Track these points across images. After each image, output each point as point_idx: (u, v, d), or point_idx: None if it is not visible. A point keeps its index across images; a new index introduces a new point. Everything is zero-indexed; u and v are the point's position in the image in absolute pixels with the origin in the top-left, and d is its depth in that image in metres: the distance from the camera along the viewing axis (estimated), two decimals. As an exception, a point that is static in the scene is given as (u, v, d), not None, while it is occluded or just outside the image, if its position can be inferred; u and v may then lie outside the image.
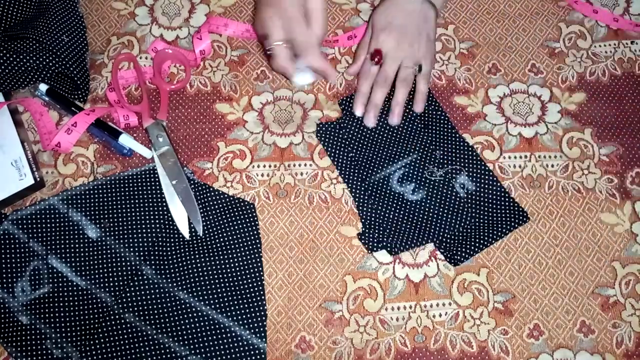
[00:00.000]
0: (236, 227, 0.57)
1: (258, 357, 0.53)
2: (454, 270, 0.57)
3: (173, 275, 0.55)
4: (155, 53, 0.64)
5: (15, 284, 0.53)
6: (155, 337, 0.53)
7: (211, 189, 0.59)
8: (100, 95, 0.63)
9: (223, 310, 0.54)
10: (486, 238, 0.57)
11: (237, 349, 0.53)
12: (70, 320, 0.53)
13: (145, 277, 0.54)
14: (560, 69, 0.66)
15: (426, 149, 0.61)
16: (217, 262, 0.56)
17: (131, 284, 0.54)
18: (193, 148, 0.61)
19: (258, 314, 0.54)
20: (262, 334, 0.54)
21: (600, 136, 0.63)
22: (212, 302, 0.54)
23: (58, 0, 0.63)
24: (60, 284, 0.54)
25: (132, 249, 0.55)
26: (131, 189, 0.58)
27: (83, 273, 0.54)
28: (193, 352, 0.52)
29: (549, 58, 0.67)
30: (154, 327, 0.53)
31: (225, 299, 0.54)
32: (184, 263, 0.55)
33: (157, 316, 0.53)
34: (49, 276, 0.54)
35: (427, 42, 0.62)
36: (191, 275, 0.55)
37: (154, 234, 0.56)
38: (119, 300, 0.53)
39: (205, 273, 0.55)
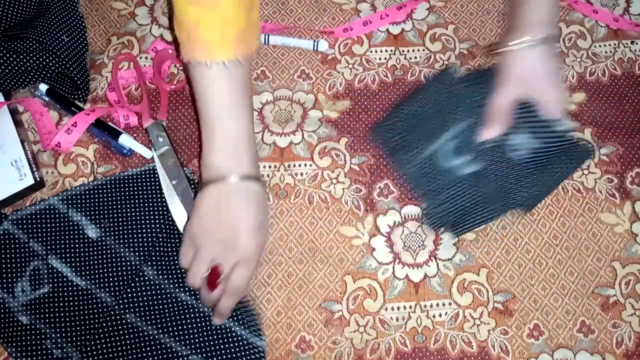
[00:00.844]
0: None
1: (258, 356, 0.53)
2: (454, 270, 0.57)
3: (173, 275, 0.55)
4: (155, 53, 0.64)
5: (15, 284, 0.53)
6: (156, 336, 0.53)
7: None
8: (100, 95, 0.63)
9: None
10: (555, 180, 0.57)
11: (237, 348, 0.53)
12: (71, 321, 0.53)
13: (145, 277, 0.54)
14: (560, 69, 0.66)
15: (477, 115, 0.59)
16: None
17: (132, 284, 0.54)
18: (193, 148, 0.61)
19: (253, 312, 0.54)
20: (260, 333, 0.54)
21: (600, 136, 0.63)
22: None
23: (58, 0, 0.63)
24: (61, 284, 0.54)
25: (132, 249, 0.55)
26: (131, 188, 0.58)
27: (83, 273, 0.54)
28: (194, 351, 0.52)
29: (549, 58, 0.67)
30: (154, 326, 0.53)
31: None
32: None
33: (157, 316, 0.53)
34: (49, 276, 0.54)
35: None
36: None
37: (154, 234, 0.56)
38: (120, 301, 0.53)
39: None
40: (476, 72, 0.63)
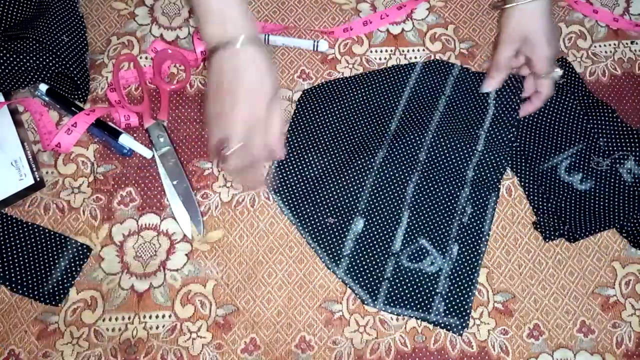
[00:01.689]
0: None
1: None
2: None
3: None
4: (155, 53, 0.64)
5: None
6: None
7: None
8: (100, 95, 0.63)
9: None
10: None
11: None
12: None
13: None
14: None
15: (590, 138, 0.60)
16: None
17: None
18: (193, 148, 0.61)
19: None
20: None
21: (600, 136, 0.63)
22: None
23: (58, 0, 0.63)
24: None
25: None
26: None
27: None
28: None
29: (549, 58, 0.67)
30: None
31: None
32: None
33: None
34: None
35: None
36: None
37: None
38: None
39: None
40: (588, 97, 0.64)
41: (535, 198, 0.59)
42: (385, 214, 0.58)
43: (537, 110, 0.62)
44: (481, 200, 0.59)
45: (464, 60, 0.66)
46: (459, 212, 0.58)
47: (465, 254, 0.57)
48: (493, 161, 0.60)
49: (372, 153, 0.60)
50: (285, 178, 0.59)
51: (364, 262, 0.56)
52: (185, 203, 0.58)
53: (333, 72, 0.65)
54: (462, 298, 0.55)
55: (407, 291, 0.55)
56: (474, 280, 0.56)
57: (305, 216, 0.58)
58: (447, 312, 0.55)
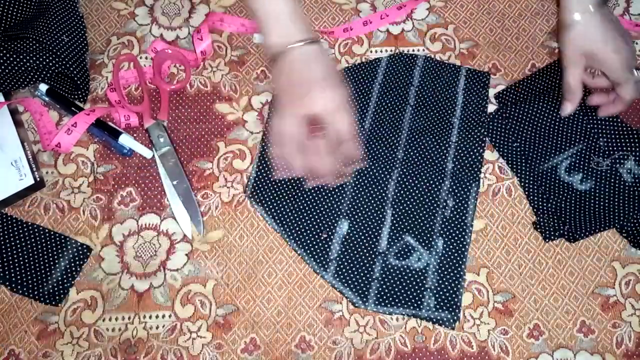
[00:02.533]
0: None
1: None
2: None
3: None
4: (155, 53, 0.64)
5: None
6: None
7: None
8: (100, 95, 0.63)
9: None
10: None
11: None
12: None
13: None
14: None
15: (590, 138, 0.61)
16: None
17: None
18: (193, 148, 0.61)
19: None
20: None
21: (600, 136, 0.63)
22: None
23: (58, 0, 0.63)
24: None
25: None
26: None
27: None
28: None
29: (549, 58, 0.67)
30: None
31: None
32: None
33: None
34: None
35: None
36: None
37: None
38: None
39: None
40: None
41: (535, 198, 0.59)
42: (369, 214, 0.58)
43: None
44: (462, 192, 0.59)
45: (464, 60, 0.66)
46: (441, 206, 0.58)
47: (451, 247, 0.57)
48: (470, 151, 0.61)
49: None
50: (265, 187, 0.59)
51: (351, 264, 0.56)
52: (185, 203, 0.58)
53: (333, 72, 0.65)
54: (451, 292, 0.55)
55: (396, 289, 0.55)
56: (461, 273, 0.56)
57: (289, 223, 0.58)
58: (438, 306, 0.55)
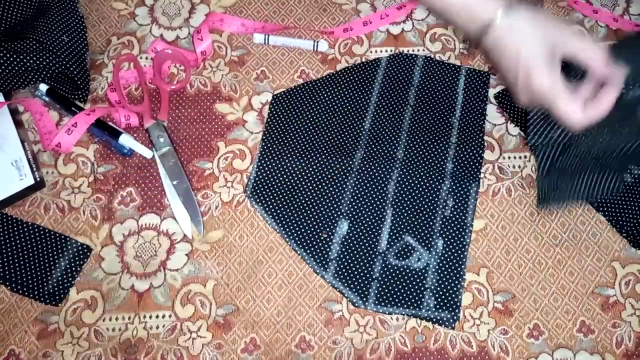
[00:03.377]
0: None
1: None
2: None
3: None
4: (155, 53, 0.64)
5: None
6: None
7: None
8: (100, 96, 0.63)
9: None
10: None
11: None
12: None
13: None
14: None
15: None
16: None
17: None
18: (193, 148, 0.61)
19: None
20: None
21: (600, 136, 0.63)
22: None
23: (58, 0, 0.63)
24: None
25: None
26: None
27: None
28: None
29: (549, 58, 0.67)
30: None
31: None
32: None
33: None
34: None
35: None
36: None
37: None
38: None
39: None
40: None
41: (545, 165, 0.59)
42: (369, 214, 0.58)
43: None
44: (462, 192, 0.59)
45: (464, 61, 0.66)
46: (441, 206, 0.58)
47: (451, 247, 0.57)
48: (470, 151, 0.61)
49: (351, 154, 0.60)
50: (265, 187, 0.59)
51: (351, 264, 0.56)
52: (185, 203, 0.58)
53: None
54: (451, 292, 0.55)
55: (396, 289, 0.55)
56: (461, 273, 0.56)
57: (289, 223, 0.58)
58: (438, 306, 0.55)
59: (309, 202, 0.58)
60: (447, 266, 0.56)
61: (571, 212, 0.60)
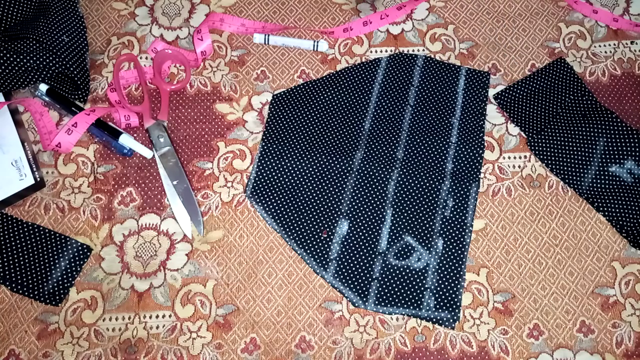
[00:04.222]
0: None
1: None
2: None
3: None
4: (155, 53, 0.64)
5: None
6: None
7: None
8: (100, 96, 0.63)
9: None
10: None
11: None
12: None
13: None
14: None
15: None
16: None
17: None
18: (193, 148, 0.61)
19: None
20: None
21: (600, 136, 0.63)
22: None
23: (58, 0, 0.63)
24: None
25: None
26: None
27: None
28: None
29: (549, 58, 0.67)
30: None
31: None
32: None
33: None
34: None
35: None
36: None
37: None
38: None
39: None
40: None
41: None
42: (369, 214, 0.58)
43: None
44: (462, 192, 0.59)
45: (463, 61, 0.66)
46: (440, 206, 0.58)
47: (451, 247, 0.57)
48: (470, 151, 0.61)
49: (351, 154, 0.60)
50: (265, 187, 0.59)
51: (351, 264, 0.56)
52: (185, 203, 0.58)
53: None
54: (451, 292, 0.55)
55: (396, 289, 0.55)
56: (461, 273, 0.56)
57: (289, 223, 0.58)
58: (438, 306, 0.55)
59: (309, 202, 0.58)
60: (447, 266, 0.56)
61: (571, 212, 0.60)
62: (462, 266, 0.56)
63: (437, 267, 0.56)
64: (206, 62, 0.65)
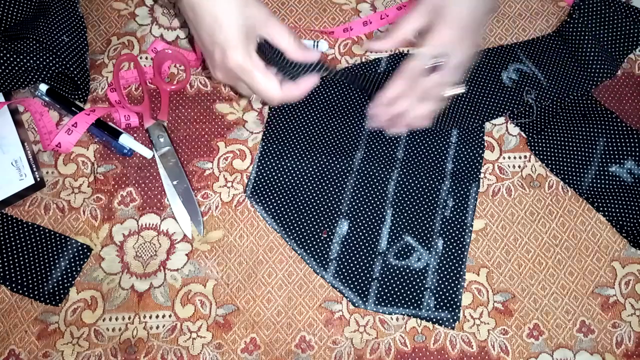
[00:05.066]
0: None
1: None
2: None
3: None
4: (155, 53, 0.64)
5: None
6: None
7: None
8: (100, 96, 0.63)
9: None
10: None
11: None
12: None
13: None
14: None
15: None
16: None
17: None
18: (193, 148, 0.61)
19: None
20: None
21: (600, 136, 0.63)
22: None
23: (58, 0, 0.63)
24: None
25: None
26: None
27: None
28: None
29: (549, 58, 0.67)
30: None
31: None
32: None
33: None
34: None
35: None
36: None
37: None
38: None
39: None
40: None
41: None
42: (369, 214, 0.58)
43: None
44: (462, 192, 0.59)
45: (464, 60, 0.66)
46: (440, 206, 0.58)
47: (451, 247, 0.57)
48: (470, 151, 0.61)
49: (350, 154, 0.60)
50: (265, 187, 0.59)
51: (351, 264, 0.56)
52: (185, 203, 0.58)
53: (333, 72, 0.65)
54: (451, 292, 0.55)
55: (396, 289, 0.55)
56: (461, 273, 0.56)
57: (289, 223, 0.58)
58: (438, 306, 0.55)
59: (309, 202, 0.58)
60: (447, 266, 0.56)
61: (571, 212, 0.60)
62: (462, 266, 0.56)
63: (437, 267, 0.56)
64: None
